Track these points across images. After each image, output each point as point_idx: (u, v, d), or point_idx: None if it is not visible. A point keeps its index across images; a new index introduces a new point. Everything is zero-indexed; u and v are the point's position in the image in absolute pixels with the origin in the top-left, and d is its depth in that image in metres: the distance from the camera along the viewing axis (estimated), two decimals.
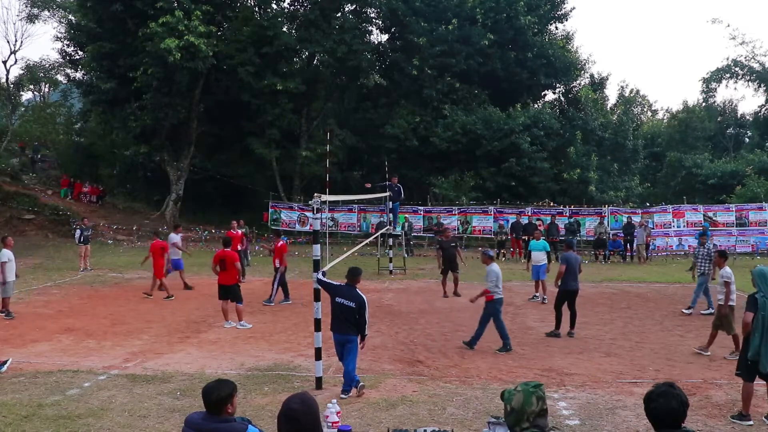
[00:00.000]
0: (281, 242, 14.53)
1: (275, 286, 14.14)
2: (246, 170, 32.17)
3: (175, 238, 16.26)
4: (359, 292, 7.72)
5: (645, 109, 50.23)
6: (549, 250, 15.22)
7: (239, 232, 16.71)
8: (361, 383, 7.77)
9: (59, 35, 34.72)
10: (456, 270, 15.16)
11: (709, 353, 9.72)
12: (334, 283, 8.00)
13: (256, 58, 27.37)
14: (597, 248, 23.28)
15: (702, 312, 12.90)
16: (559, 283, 11.23)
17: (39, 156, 36.75)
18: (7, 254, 12.33)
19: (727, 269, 9.99)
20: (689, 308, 13.14)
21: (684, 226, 24.40)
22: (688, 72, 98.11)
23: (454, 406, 7.31)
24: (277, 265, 14.04)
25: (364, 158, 33.02)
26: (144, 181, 36.24)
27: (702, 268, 13.02)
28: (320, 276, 7.94)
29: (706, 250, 13.15)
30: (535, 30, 30.46)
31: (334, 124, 30.10)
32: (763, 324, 6.62)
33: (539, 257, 14.36)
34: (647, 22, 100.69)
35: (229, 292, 11.83)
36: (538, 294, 14.64)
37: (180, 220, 29.83)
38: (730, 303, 9.74)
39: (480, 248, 25.31)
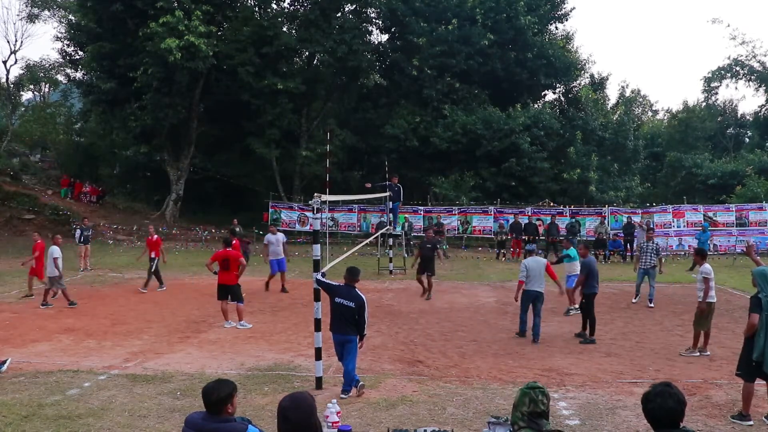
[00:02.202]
0: (235, 240, 14.36)
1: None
2: (246, 170, 32.16)
3: (272, 238, 15.67)
4: (358, 292, 7.72)
5: (645, 109, 50.26)
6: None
7: (155, 237, 16.06)
8: (361, 383, 7.77)
9: (59, 35, 34.81)
10: (432, 272, 14.73)
11: (708, 353, 9.73)
12: (333, 283, 7.99)
13: (256, 58, 27.37)
14: (597, 248, 23.25)
15: (633, 301, 13.94)
16: (582, 288, 10.98)
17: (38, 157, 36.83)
18: (57, 251, 13.37)
19: (707, 266, 9.88)
20: (650, 302, 13.72)
21: (684, 226, 24.39)
22: (689, 72, 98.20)
23: (454, 406, 7.30)
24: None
25: (364, 158, 33.03)
26: (144, 181, 36.26)
27: (650, 262, 13.66)
28: (319, 276, 7.94)
29: (653, 245, 13.90)
30: (535, 30, 30.43)
31: (334, 124, 30.12)
32: (767, 324, 6.62)
33: (572, 268, 12.88)
34: (647, 22, 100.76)
35: (230, 291, 11.87)
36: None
37: (180, 220, 29.90)
38: (709, 299, 9.71)
39: (479, 248, 25.59)
